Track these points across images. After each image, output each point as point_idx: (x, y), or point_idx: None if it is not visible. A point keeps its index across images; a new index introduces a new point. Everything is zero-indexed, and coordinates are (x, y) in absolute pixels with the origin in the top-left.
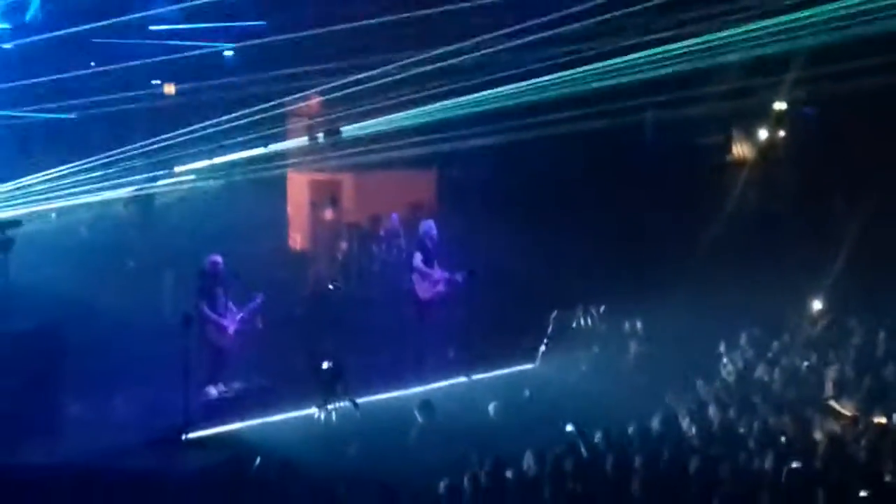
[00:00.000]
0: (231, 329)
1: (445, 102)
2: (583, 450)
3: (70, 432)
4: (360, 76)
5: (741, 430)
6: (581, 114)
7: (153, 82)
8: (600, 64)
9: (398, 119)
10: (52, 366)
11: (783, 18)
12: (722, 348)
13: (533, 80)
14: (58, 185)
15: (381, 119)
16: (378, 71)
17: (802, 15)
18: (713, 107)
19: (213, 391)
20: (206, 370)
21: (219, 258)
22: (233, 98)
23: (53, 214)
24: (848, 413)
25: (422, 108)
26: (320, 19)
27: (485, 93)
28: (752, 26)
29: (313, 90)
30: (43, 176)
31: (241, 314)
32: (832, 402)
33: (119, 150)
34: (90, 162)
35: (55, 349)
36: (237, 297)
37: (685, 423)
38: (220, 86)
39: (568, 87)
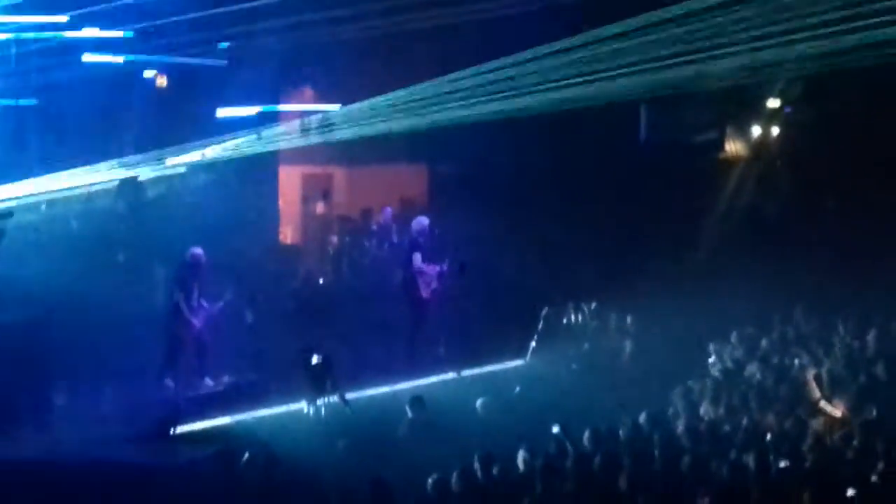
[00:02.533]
0: (196, 325)
1: (439, 93)
2: (569, 448)
3: (57, 425)
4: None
5: (730, 429)
6: (573, 110)
7: (146, 73)
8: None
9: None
10: (40, 358)
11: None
12: (712, 346)
13: (525, 77)
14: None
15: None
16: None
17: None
18: (707, 104)
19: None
20: (179, 362)
21: (200, 251)
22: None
23: (43, 206)
24: (837, 412)
25: (415, 100)
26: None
27: (478, 81)
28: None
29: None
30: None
31: (208, 311)
32: (822, 402)
33: (111, 141)
34: (80, 152)
35: (43, 342)
36: (216, 290)
37: (675, 421)
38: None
39: (560, 85)
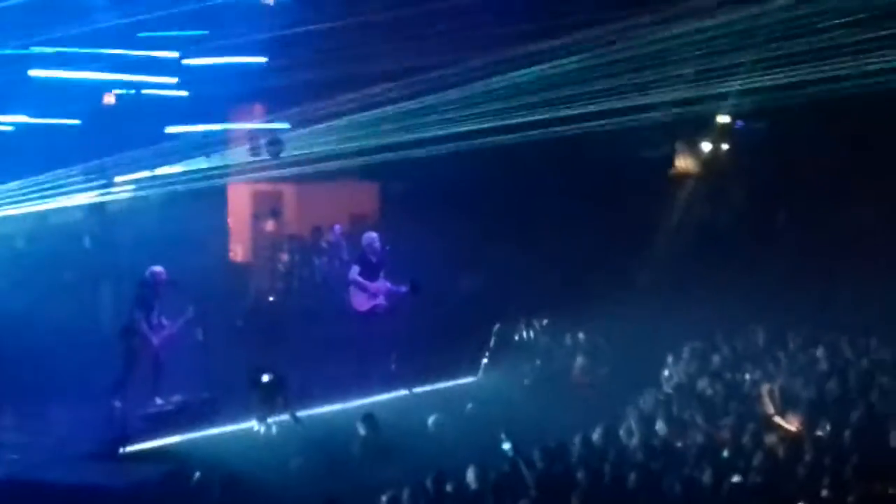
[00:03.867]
0: (156, 343)
1: (388, 111)
2: (521, 465)
3: (4, 446)
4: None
5: (682, 444)
6: (525, 125)
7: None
8: (544, 73)
9: (341, 129)
10: None
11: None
12: (665, 362)
13: (478, 91)
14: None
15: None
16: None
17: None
18: (658, 120)
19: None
20: (132, 381)
21: (160, 269)
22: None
23: None
24: (790, 427)
25: (364, 117)
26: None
27: (429, 100)
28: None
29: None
30: None
31: (169, 330)
32: (775, 416)
33: (58, 161)
34: (29, 173)
35: None
36: (172, 309)
37: (627, 436)
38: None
39: (512, 100)
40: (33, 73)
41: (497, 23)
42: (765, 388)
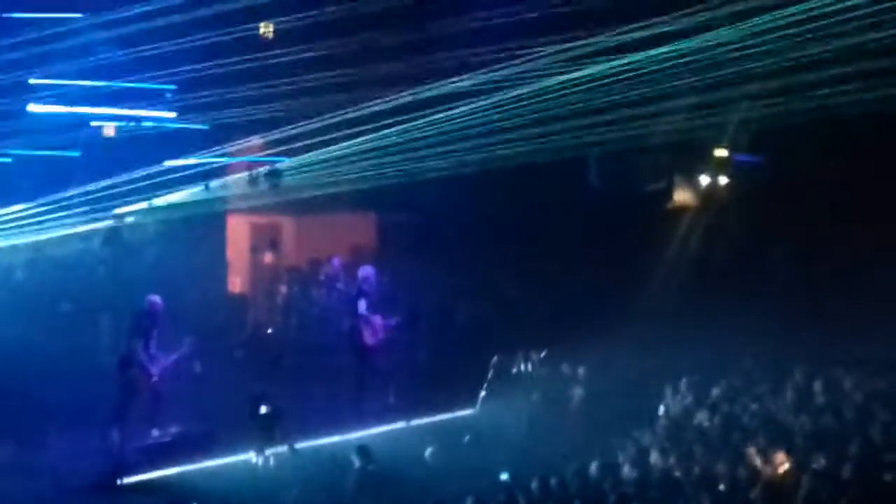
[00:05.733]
0: (153, 375)
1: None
2: (518, 497)
3: (2, 478)
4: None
5: (679, 476)
6: (525, 160)
7: (92, 124)
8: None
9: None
10: None
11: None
12: (662, 394)
13: (474, 126)
14: None
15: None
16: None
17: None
18: (655, 153)
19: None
20: (130, 412)
21: (158, 299)
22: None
23: None
24: (786, 461)
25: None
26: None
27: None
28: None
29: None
30: None
31: (164, 361)
32: (770, 449)
33: (57, 192)
34: (28, 203)
35: None
36: (170, 340)
37: (624, 468)
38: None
39: (509, 133)
40: (32, 108)
41: (494, 41)
42: (750, 450)
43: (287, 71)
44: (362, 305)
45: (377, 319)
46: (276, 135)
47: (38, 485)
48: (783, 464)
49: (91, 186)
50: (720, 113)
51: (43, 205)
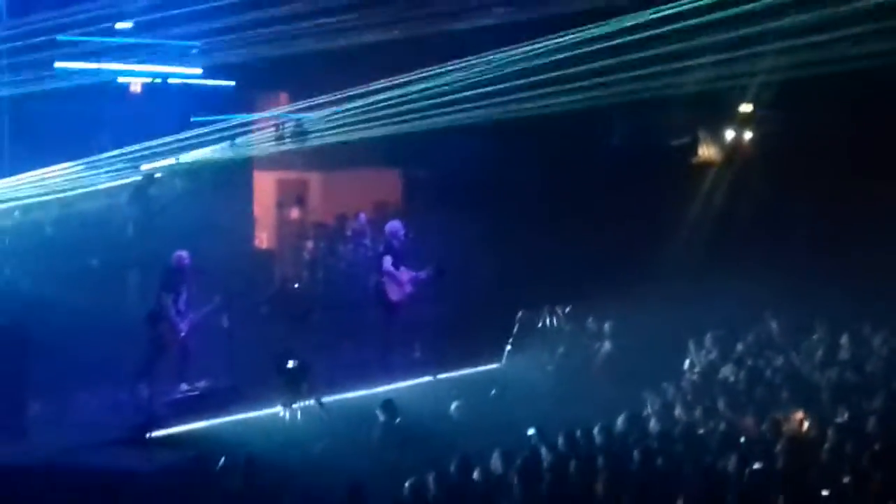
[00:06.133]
0: (182, 330)
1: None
2: (544, 451)
3: (33, 431)
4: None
5: (704, 431)
6: (549, 114)
7: (119, 80)
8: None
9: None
10: (16, 364)
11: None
12: (688, 349)
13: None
14: (23, 183)
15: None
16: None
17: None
18: (679, 108)
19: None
20: (159, 366)
21: (185, 254)
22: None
23: (17, 212)
24: (806, 417)
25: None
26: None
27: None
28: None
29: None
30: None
31: (193, 316)
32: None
33: (84, 149)
34: (56, 160)
35: (18, 347)
36: (198, 296)
37: (650, 423)
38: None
39: (536, 90)
40: (59, 64)
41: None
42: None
43: (312, 23)
44: (388, 261)
45: (403, 274)
46: (301, 90)
47: (67, 438)
48: (804, 420)
49: (118, 143)
50: (745, 67)
51: (70, 161)
